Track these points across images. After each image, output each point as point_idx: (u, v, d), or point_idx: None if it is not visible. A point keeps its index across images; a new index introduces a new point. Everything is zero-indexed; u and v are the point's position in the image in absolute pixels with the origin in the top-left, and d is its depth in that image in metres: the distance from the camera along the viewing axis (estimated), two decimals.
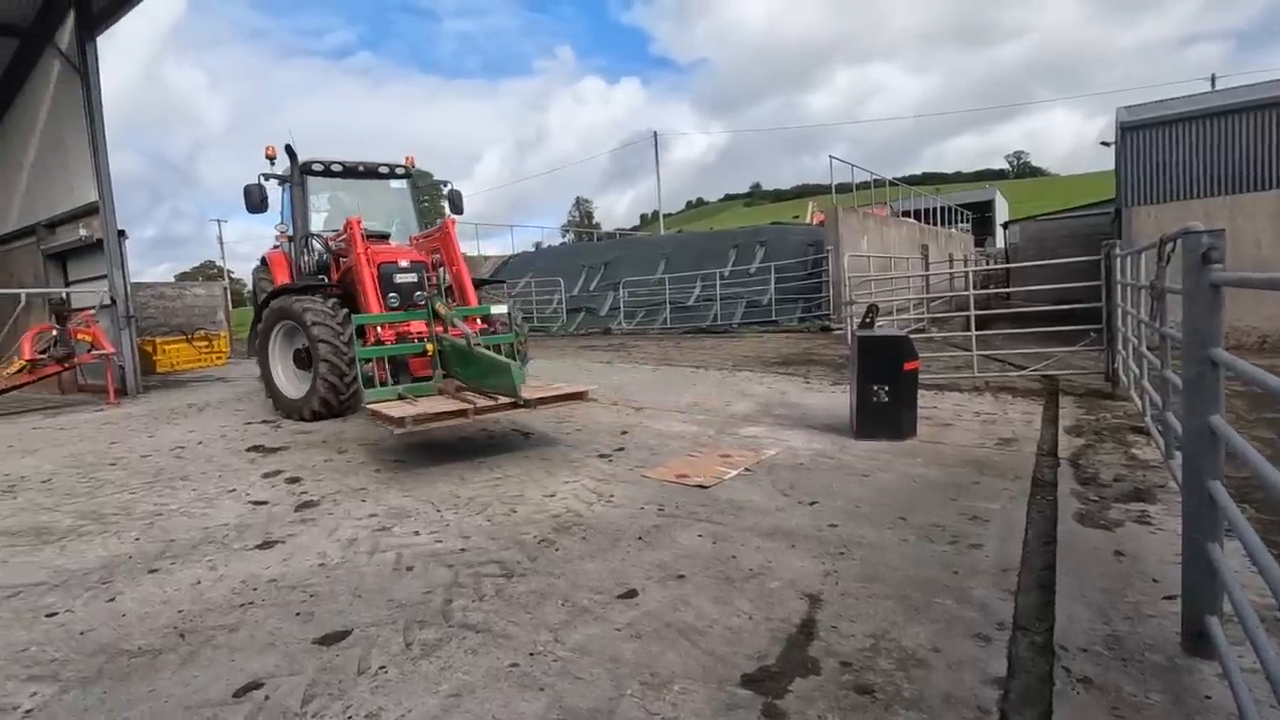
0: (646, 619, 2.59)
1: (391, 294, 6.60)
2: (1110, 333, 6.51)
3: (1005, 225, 30.67)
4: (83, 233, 10.71)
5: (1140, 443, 4.70)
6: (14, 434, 7.36)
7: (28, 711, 2.15)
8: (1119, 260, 6.28)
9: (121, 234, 10.39)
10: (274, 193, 8.38)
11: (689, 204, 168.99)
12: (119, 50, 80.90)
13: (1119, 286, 6.23)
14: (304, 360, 7.19)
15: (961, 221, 31.77)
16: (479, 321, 6.40)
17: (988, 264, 29.08)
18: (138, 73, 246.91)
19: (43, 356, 9.06)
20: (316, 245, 8.08)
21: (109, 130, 9.98)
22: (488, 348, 5.49)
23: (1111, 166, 16.81)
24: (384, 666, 2.32)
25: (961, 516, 3.51)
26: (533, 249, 32.00)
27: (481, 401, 5.08)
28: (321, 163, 8.18)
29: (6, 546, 3.70)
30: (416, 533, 3.62)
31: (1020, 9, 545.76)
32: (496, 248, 43.23)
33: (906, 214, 23.21)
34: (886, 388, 5.10)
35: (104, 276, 10.37)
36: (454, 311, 5.72)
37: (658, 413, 6.63)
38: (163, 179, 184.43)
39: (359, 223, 6.91)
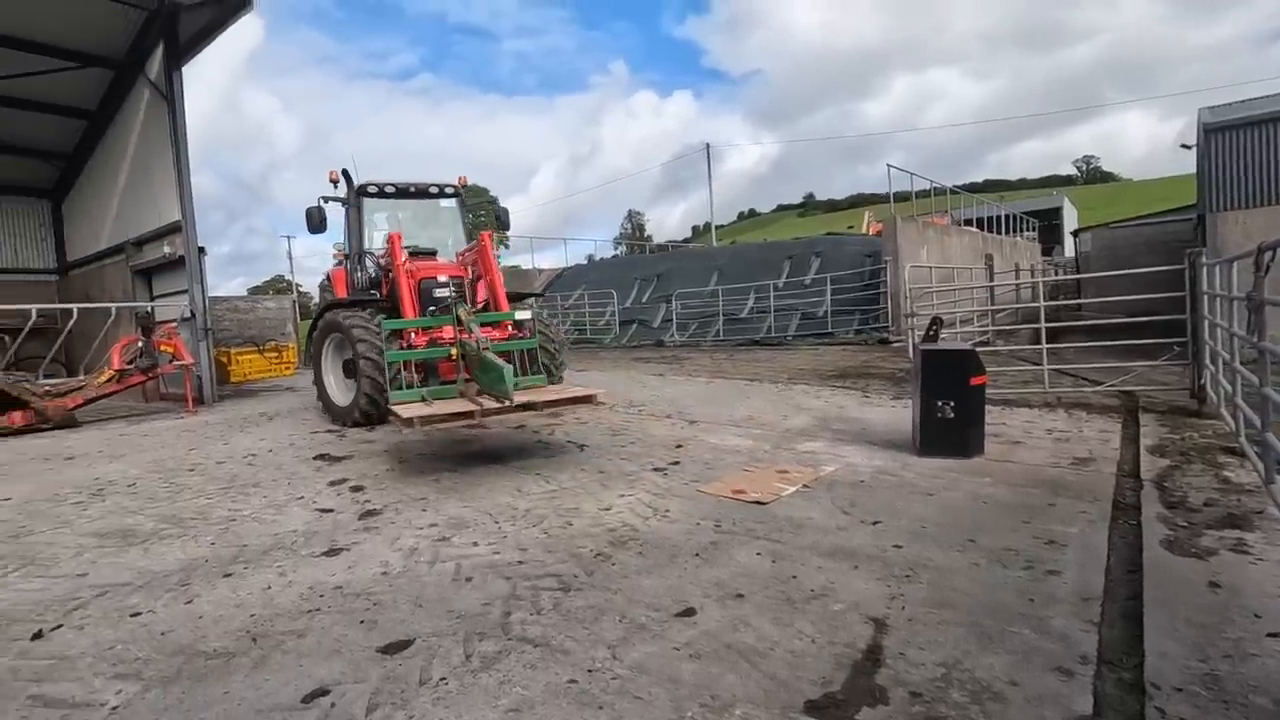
0: (705, 639, 2.54)
1: (431, 306, 6.88)
2: (1195, 346, 6.13)
3: (1075, 233, 29.38)
4: (166, 250, 11.37)
5: (1233, 465, 4.39)
6: (103, 439, 7.83)
7: (114, 708, 2.26)
8: (1205, 270, 5.91)
9: (201, 251, 10.98)
10: (336, 213, 8.88)
11: (741, 215, 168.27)
12: (202, 78, 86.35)
13: (1205, 297, 5.87)
14: (351, 370, 7.56)
15: (1027, 230, 30.62)
16: (510, 328, 6.71)
17: (1056, 274, 27.91)
18: (219, 99, 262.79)
19: (129, 367, 9.62)
20: (369, 262, 8.52)
21: (191, 153, 10.60)
22: (503, 353, 5.65)
23: (1191, 170, 15.94)
24: (445, 678, 2.34)
25: (1036, 540, 3.34)
26: (585, 262, 32.38)
27: (489, 403, 5.16)
28: (376, 185, 8.63)
29: (96, 547, 3.92)
30: (475, 543, 3.66)
31: (1091, 9, 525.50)
32: (550, 261, 43.92)
33: (968, 223, 22.51)
34: (952, 403, 4.92)
35: (185, 291, 10.97)
36: (474, 318, 5.86)
37: (712, 426, 6.57)
38: (238, 198, 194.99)
39: (399, 238, 7.27)
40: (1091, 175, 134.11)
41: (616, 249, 51.70)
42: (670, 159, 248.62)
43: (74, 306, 11.70)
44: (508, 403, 5.02)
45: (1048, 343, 7.43)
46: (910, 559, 3.19)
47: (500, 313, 6.81)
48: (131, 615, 2.97)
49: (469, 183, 9.55)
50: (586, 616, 2.75)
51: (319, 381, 8.20)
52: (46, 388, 9.24)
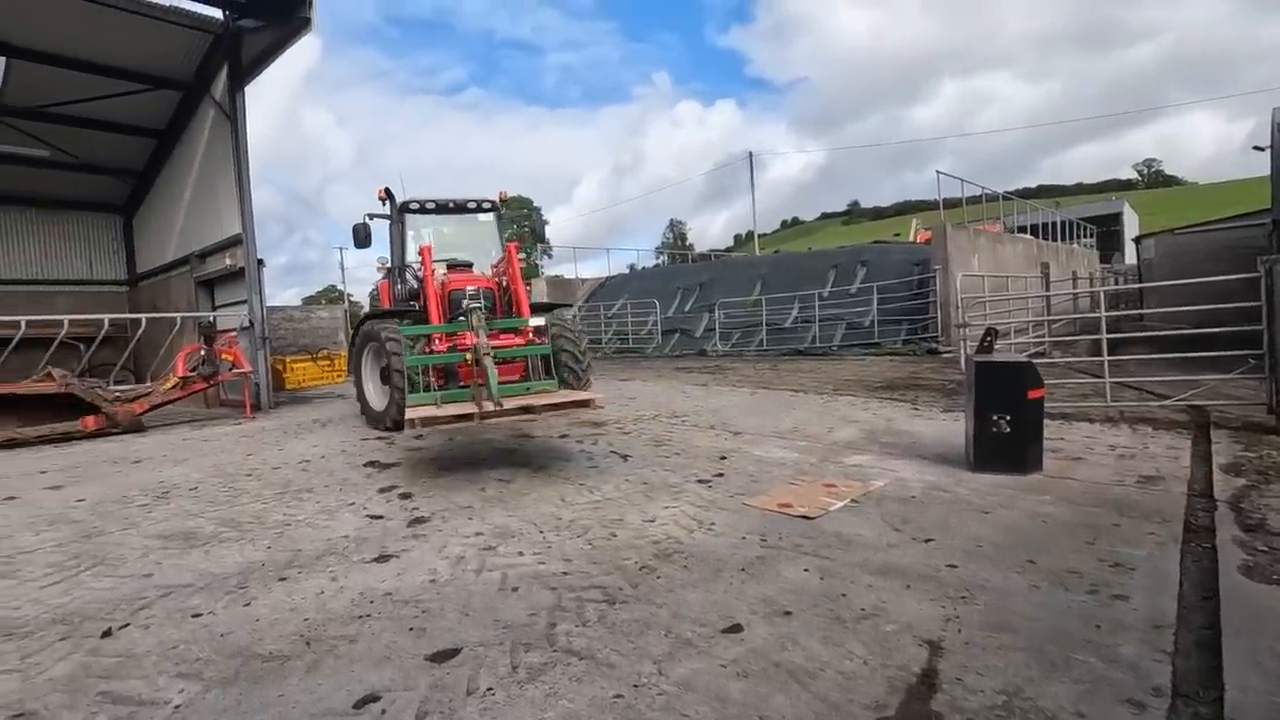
0: (753, 656, 2.50)
1: (460, 316, 7.06)
2: (1273, 359, 5.79)
3: (1137, 240, 28.20)
4: (228, 262, 11.85)
5: None
6: (168, 444, 8.17)
7: (176, 707, 2.33)
8: None
9: (260, 263, 11.41)
10: (382, 227, 9.35)
11: (784, 223, 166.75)
12: (262, 97, 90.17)
13: None
14: (386, 377, 7.87)
15: (1085, 236, 29.54)
16: (531, 334, 7.06)
17: (1116, 282, 26.83)
18: (278, 116, 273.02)
19: (193, 374, 10.04)
20: (410, 275, 8.93)
21: (252, 169, 11.06)
22: (515, 358, 6.33)
23: (1263, 173, 15.16)
24: (491, 688, 2.35)
25: (1101, 563, 3.19)
26: (628, 271, 32.53)
27: (489, 406, 5.28)
28: (418, 202, 9.06)
29: (161, 549, 4.08)
30: (521, 553, 3.68)
31: (1153, 7, 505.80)
32: (593, 270, 44.25)
33: (1022, 229, 21.85)
34: (1007, 417, 4.75)
35: (244, 301, 11.40)
36: (484, 324, 6.02)
37: (757, 438, 6.50)
38: (295, 211, 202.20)
39: (429, 251, 7.59)
40: (1153, 179, 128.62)
41: (658, 258, 51.82)
42: (713, 168, 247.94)
43: (142, 316, 12.29)
44: (500, 405, 5.20)
45: (1109, 354, 7.12)
46: (966, 579, 3.08)
47: (516, 319, 7.15)
48: (193, 616, 3.07)
49: (511, 195, 9.85)
50: (632, 630, 2.74)
51: (359, 388, 8.62)
52: (117, 393, 9.71)
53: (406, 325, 7.43)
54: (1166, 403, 6.72)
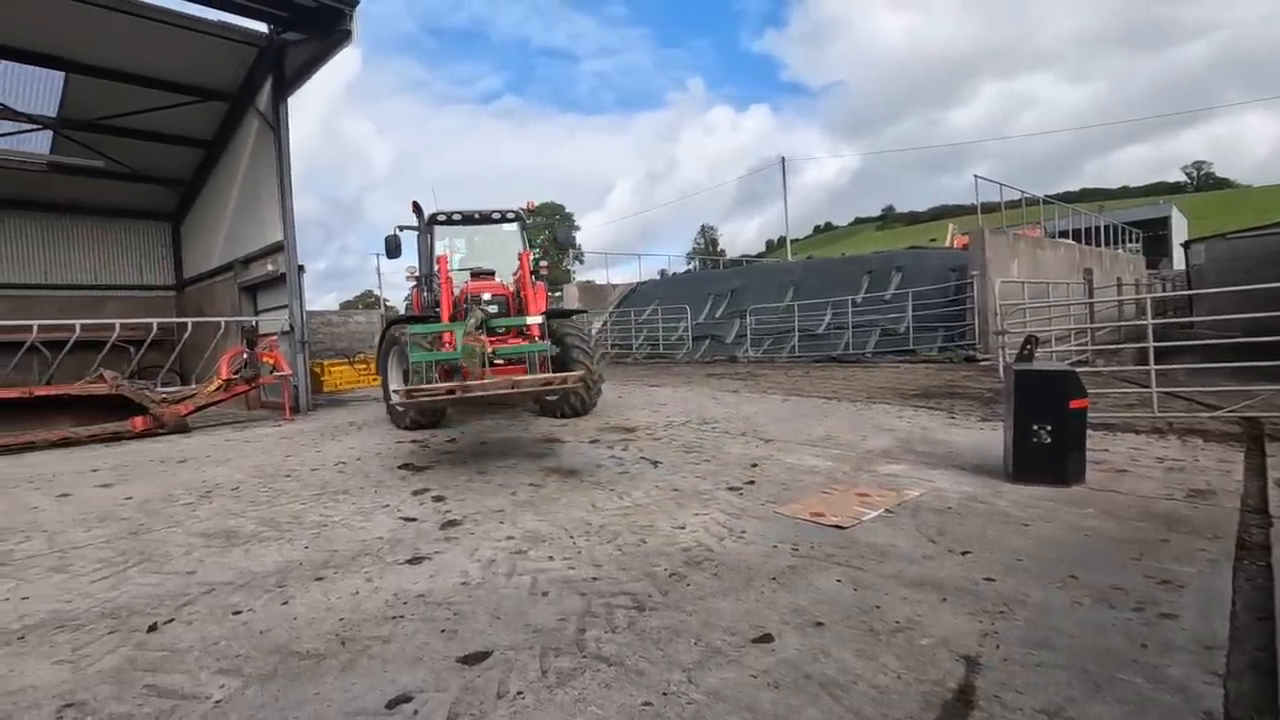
0: (784, 667, 2.47)
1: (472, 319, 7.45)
2: None
3: (1186, 245, 27.26)
4: (270, 268, 12.19)
5: None
6: (211, 444, 8.41)
7: (217, 702, 2.40)
8: None
9: (300, 269, 11.71)
10: (413, 239, 9.91)
11: (817, 228, 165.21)
12: (305, 107, 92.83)
13: None
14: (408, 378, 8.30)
15: (1130, 241, 28.67)
16: (536, 333, 7.63)
17: (1164, 289, 25.97)
18: (319, 126, 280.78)
19: (235, 376, 10.32)
20: (435, 283, 9.25)
21: (294, 177, 11.38)
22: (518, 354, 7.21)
23: None
24: (521, 692, 2.36)
25: (1147, 580, 3.08)
26: (659, 277, 32.53)
27: (473, 383, 5.95)
28: (445, 214, 9.52)
29: (204, 547, 4.19)
30: (551, 558, 3.70)
31: (1204, 5, 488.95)
32: (625, 276, 44.30)
33: (1064, 234, 21.29)
34: (1049, 427, 4.63)
35: (285, 306, 11.70)
36: (481, 321, 6.71)
37: (789, 446, 6.43)
38: (334, 218, 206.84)
39: (445, 260, 8.38)
40: (1203, 182, 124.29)
41: (689, 264, 51.71)
42: (746, 174, 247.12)
43: (189, 320, 12.68)
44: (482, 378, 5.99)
45: (1155, 363, 6.89)
46: (1004, 594, 3.00)
47: (517, 318, 7.78)
48: (234, 613, 3.15)
49: (542, 202, 10.25)
50: (661, 637, 2.73)
51: (384, 389, 9.20)
52: (163, 395, 10.04)
53: (415, 326, 7.84)
54: (1218, 414, 6.47)
